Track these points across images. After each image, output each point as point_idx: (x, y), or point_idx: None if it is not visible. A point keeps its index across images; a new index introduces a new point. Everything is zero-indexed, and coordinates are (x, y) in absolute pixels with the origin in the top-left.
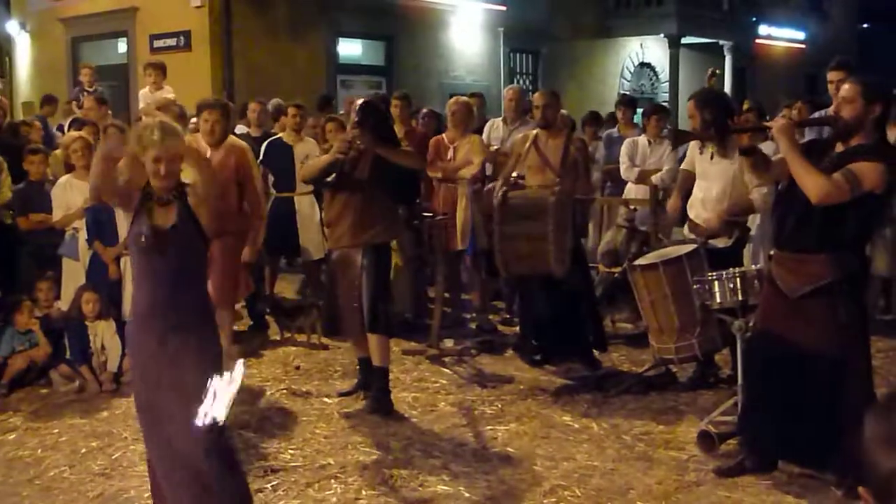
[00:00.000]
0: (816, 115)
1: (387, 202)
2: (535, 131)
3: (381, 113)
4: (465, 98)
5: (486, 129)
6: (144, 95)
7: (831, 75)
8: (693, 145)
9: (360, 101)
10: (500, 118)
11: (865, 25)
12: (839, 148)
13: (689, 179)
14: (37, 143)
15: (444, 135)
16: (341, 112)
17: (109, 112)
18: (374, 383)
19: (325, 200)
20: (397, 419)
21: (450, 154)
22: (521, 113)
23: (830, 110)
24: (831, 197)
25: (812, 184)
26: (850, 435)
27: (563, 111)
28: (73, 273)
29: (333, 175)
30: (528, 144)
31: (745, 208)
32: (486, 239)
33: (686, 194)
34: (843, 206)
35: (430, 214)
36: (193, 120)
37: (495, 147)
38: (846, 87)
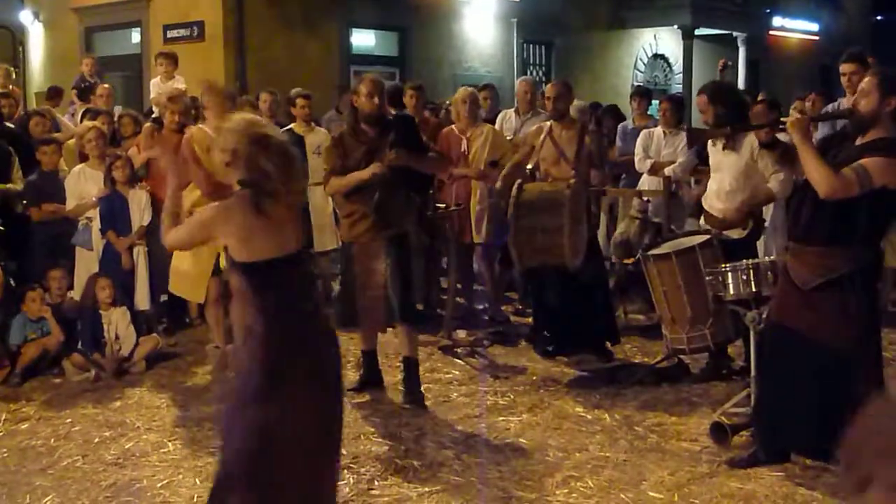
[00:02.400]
0: (829, 107)
1: (405, 193)
2: (548, 123)
3: (409, 121)
4: (468, 88)
5: (498, 120)
6: (156, 85)
7: (844, 67)
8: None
9: (385, 119)
10: (513, 109)
11: (879, 17)
12: (858, 141)
13: None
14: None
15: (454, 126)
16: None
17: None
18: (406, 374)
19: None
20: (410, 410)
21: (463, 146)
22: (533, 105)
23: (844, 102)
24: (839, 192)
25: (820, 178)
26: None
27: (583, 102)
28: (87, 263)
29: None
30: (542, 136)
31: (764, 198)
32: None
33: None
34: (857, 199)
35: (443, 205)
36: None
37: (508, 138)
38: (864, 80)
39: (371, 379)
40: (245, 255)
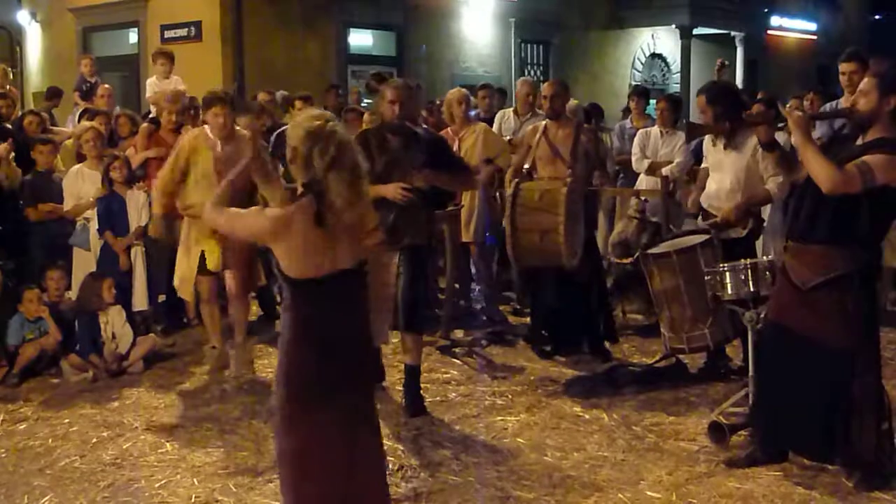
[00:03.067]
0: (827, 106)
1: (425, 210)
2: (543, 122)
3: (442, 145)
4: (461, 89)
5: (496, 120)
6: (152, 84)
7: (843, 66)
8: (707, 137)
9: (412, 132)
10: (511, 110)
11: (877, 17)
12: (859, 141)
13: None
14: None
15: (448, 129)
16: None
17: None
18: (408, 381)
19: None
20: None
21: (454, 146)
22: (533, 106)
23: (843, 101)
24: (841, 187)
25: (823, 173)
26: (860, 426)
27: (576, 101)
28: (84, 263)
29: None
30: (538, 136)
31: (762, 199)
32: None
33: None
34: (857, 198)
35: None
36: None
37: (508, 139)
38: (864, 80)
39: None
40: (294, 272)
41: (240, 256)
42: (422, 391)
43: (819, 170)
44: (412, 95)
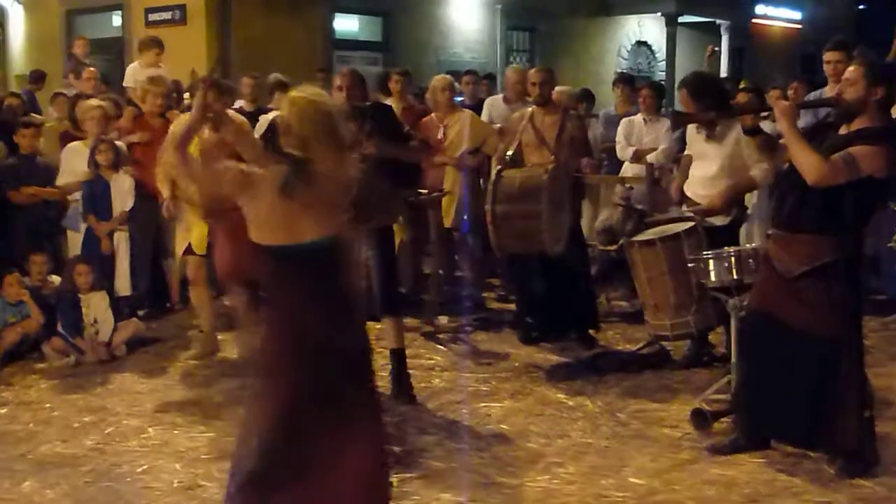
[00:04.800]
0: (811, 95)
1: (385, 185)
2: (530, 109)
3: (385, 109)
4: (445, 76)
5: (485, 107)
6: (134, 71)
7: (829, 55)
8: (692, 125)
9: (369, 104)
10: (500, 96)
11: (862, 6)
12: (843, 130)
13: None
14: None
15: (433, 115)
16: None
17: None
18: (394, 366)
19: None
20: (393, 396)
21: (440, 133)
22: (523, 94)
23: (827, 90)
24: (827, 179)
25: (808, 165)
26: (842, 414)
27: (569, 88)
28: (77, 246)
29: None
30: (524, 122)
31: (747, 186)
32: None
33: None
34: (842, 188)
35: (426, 191)
36: (186, 96)
37: (498, 126)
38: (850, 68)
39: None
40: (254, 234)
41: (234, 241)
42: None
43: (804, 161)
44: (358, 81)
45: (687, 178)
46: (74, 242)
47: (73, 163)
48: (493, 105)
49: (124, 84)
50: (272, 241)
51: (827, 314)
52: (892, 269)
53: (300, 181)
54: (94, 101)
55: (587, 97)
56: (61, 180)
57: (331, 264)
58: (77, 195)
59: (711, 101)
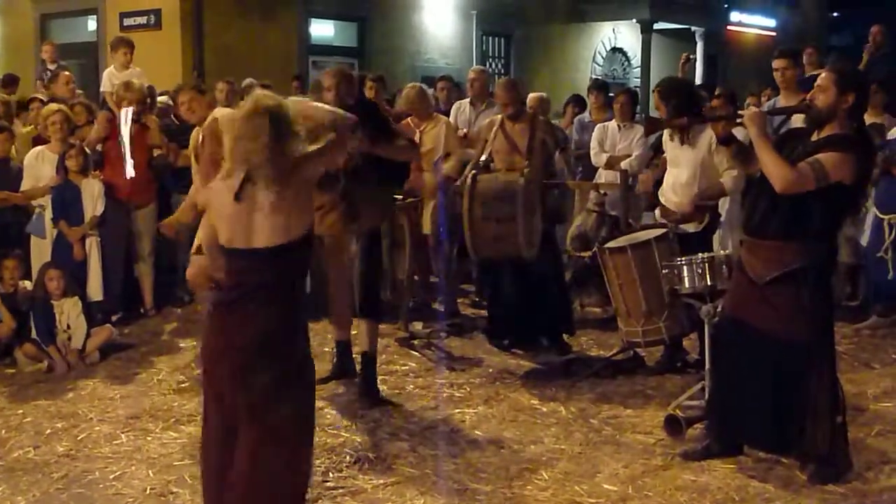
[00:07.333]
0: (766, 105)
1: (377, 186)
2: (500, 116)
3: (372, 106)
4: (416, 84)
5: (452, 111)
6: (110, 75)
7: (776, 63)
8: (666, 132)
9: (355, 102)
10: (467, 100)
11: (835, 14)
12: (814, 137)
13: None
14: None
15: (409, 119)
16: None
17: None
18: (363, 369)
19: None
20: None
21: (416, 138)
22: (486, 95)
23: (780, 100)
24: (794, 186)
25: (777, 173)
26: (814, 420)
27: (543, 94)
28: (41, 252)
29: None
30: (494, 129)
31: (716, 192)
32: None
33: (659, 179)
34: (812, 195)
35: (401, 197)
36: (161, 99)
37: (464, 130)
38: (822, 75)
39: (345, 370)
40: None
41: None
42: (380, 383)
43: (773, 168)
44: (344, 80)
45: (663, 174)
46: (38, 248)
47: (37, 168)
48: (460, 110)
49: (101, 89)
50: (227, 243)
51: (797, 320)
52: (878, 279)
53: (247, 182)
54: (53, 106)
55: (578, 102)
56: (25, 185)
57: (283, 268)
58: (41, 201)
59: (679, 103)
